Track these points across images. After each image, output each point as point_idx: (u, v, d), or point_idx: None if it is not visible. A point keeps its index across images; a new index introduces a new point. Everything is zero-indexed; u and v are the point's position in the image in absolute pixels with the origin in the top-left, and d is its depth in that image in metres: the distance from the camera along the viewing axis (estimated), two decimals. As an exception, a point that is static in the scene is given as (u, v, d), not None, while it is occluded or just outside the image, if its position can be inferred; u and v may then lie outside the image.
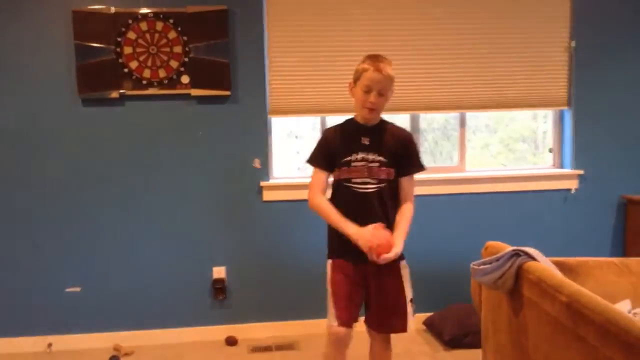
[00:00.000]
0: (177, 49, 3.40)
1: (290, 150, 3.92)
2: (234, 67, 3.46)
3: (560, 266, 2.32)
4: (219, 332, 3.56)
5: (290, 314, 3.63)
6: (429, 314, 3.61)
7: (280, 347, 3.45)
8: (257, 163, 3.54)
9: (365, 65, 2.24)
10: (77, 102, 3.40)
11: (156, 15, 3.36)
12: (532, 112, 3.91)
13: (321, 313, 3.60)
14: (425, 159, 3.92)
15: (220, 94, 3.45)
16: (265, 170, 3.56)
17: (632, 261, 2.39)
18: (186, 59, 3.40)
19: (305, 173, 3.72)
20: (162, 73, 3.40)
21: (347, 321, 2.30)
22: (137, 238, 3.51)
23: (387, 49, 3.51)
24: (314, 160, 2.40)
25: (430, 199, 3.63)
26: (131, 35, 3.36)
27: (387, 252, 2.15)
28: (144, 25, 3.36)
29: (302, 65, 3.54)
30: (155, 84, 3.41)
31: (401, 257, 2.30)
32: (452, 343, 3.34)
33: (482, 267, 2.07)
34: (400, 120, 3.78)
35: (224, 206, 3.55)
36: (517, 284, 1.99)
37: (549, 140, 3.91)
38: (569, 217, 3.75)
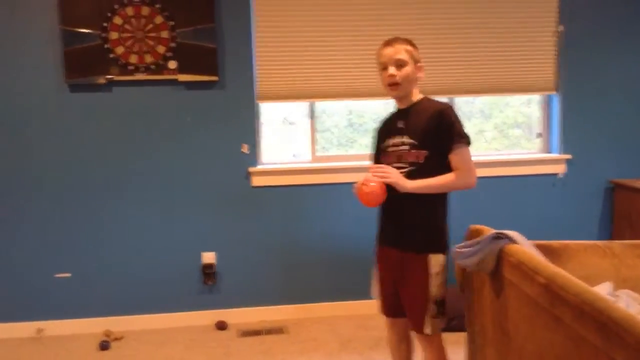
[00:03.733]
0: (164, 34, 3.38)
1: (286, 136, 3.92)
2: (221, 52, 3.45)
3: (544, 249, 2.34)
4: (208, 316, 3.59)
5: (280, 298, 3.66)
6: (417, 298, 3.63)
7: (269, 332, 3.48)
8: (245, 148, 3.54)
9: (379, 48, 2.22)
10: (65, 88, 3.39)
11: (142, 0, 3.34)
12: (527, 97, 3.91)
13: (311, 297, 3.65)
14: None
15: (208, 79, 3.44)
16: (253, 156, 3.57)
17: (616, 244, 2.41)
18: (173, 44, 3.39)
19: (300, 159, 3.73)
20: (148, 58, 3.39)
21: (383, 310, 2.34)
22: (126, 224, 3.51)
23: (374, 32, 3.53)
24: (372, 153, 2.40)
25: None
26: (117, 20, 3.34)
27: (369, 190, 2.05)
28: (130, 11, 3.34)
29: (290, 50, 3.53)
30: (142, 69, 3.40)
31: (434, 249, 2.15)
32: (440, 326, 3.36)
33: (463, 250, 2.09)
34: (387, 104, 3.79)
35: (213, 192, 3.55)
36: (498, 266, 2.01)
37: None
38: (557, 201, 3.78)
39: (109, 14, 3.33)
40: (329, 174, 3.60)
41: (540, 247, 2.29)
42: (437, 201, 2.21)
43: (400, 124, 2.21)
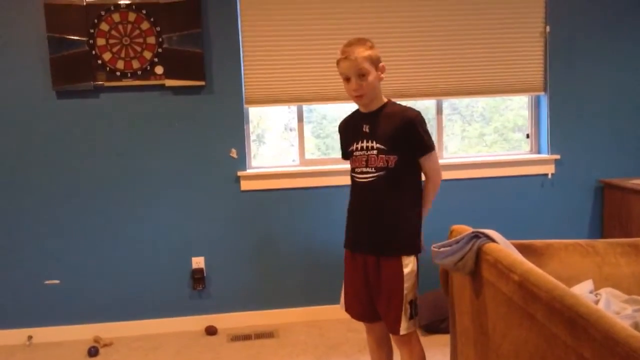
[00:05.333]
0: (151, 40, 3.39)
1: (287, 142, 3.95)
2: (208, 57, 3.46)
3: (527, 249, 2.34)
4: (198, 322, 3.58)
5: (270, 303, 3.65)
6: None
7: (259, 336, 3.47)
8: (233, 153, 3.54)
9: (338, 56, 2.17)
10: (52, 95, 3.39)
11: (129, 6, 3.36)
12: (526, 100, 3.89)
13: (300, 301, 3.64)
14: None
15: (195, 84, 3.45)
16: (242, 160, 3.57)
17: (598, 242, 2.40)
18: (160, 50, 3.40)
19: (294, 163, 3.74)
20: (135, 64, 3.40)
21: (351, 312, 2.33)
22: (115, 230, 3.51)
23: (362, 36, 3.52)
24: (341, 153, 2.41)
25: (408, 186, 3.64)
26: (104, 26, 3.35)
27: None
28: (116, 17, 3.36)
29: (278, 54, 3.54)
30: (129, 75, 3.41)
31: (407, 250, 2.19)
32: (429, 328, 3.36)
33: (442, 249, 2.08)
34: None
35: (202, 196, 3.55)
36: (477, 265, 2.00)
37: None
38: (547, 202, 3.77)
39: (96, 20, 3.34)
40: (318, 177, 3.60)
41: (522, 247, 2.28)
42: (408, 204, 2.22)
43: (366, 128, 2.21)
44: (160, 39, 3.39)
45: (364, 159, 2.19)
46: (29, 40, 3.34)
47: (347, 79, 2.16)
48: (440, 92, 3.67)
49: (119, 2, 3.34)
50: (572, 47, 3.69)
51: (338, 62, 2.18)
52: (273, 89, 3.56)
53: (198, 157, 3.53)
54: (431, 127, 3.87)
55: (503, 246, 1.95)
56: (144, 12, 3.36)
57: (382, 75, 2.20)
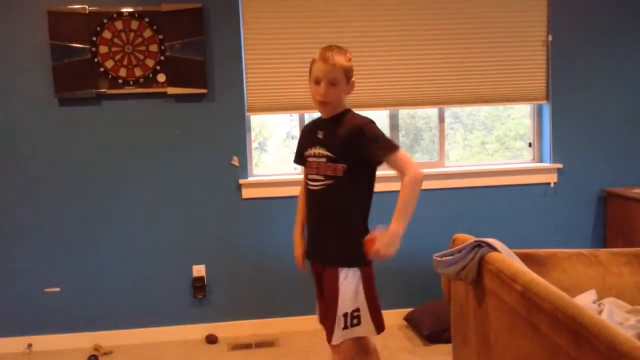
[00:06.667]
0: (153, 48, 3.40)
1: (289, 150, 3.96)
2: (210, 65, 3.47)
3: (530, 258, 2.33)
4: (199, 330, 3.56)
5: (270, 311, 3.63)
6: (409, 310, 3.61)
7: (260, 345, 3.45)
8: (235, 161, 3.54)
9: (314, 57, 2.13)
10: (54, 102, 3.40)
11: (131, 14, 3.36)
12: (529, 109, 3.89)
13: (301, 310, 3.62)
14: (423, 157, 3.91)
15: (197, 92, 3.44)
16: (244, 168, 3.56)
17: (601, 252, 2.39)
18: (162, 58, 3.40)
19: (295, 171, 3.74)
20: (138, 72, 3.40)
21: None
22: (116, 237, 3.50)
23: (364, 44, 3.54)
24: (294, 156, 2.41)
25: (410, 195, 3.63)
26: (106, 34, 3.36)
27: (371, 247, 1.96)
28: (119, 25, 3.36)
29: (280, 62, 3.54)
30: (132, 82, 3.41)
31: (347, 262, 2.12)
32: (431, 338, 3.34)
33: (444, 258, 2.07)
34: (377, 116, 3.79)
35: (204, 204, 3.54)
36: (479, 275, 1.99)
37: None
38: (549, 211, 3.75)
39: (98, 28, 3.35)
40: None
41: (525, 256, 2.28)
42: (355, 215, 2.16)
43: (320, 135, 2.18)
44: (163, 47, 3.39)
45: (315, 165, 2.17)
46: (32, 47, 3.35)
47: (317, 82, 2.11)
48: (442, 101, 3.67)
49: (122, 10, 3.35)
50: (574, 56, 3.69)
51: (313, 62, 2.14)
52: (275, 96, 3.56)
53: (200, 164, 3.52)
54: (432, 135, 3.88)
55: (506, 255, 1.94)
56: (146, 20, 3.37)
57: (350, 90, 2.17)
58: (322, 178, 2.13)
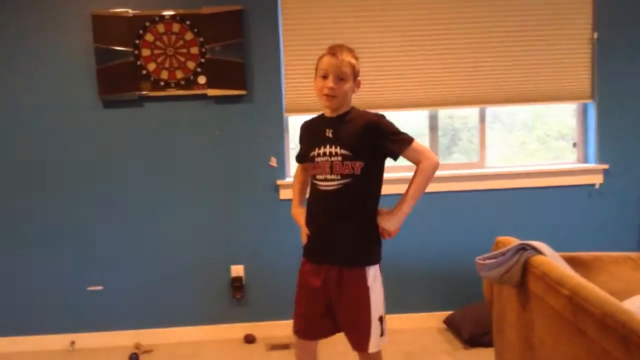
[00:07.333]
0: (194, 50, 3.44)
1: None
2: (249, 67, 3.49)
3: (574, 261, 2.26)
4: (237, 330, 3.59)
5: (309, 312, 3.62)
6: (449, 313, 3.56)
7: (298, 346, 3.45)
8: (273, 162, 3.55)
9: (322, 53, 2.15)
10: (98, 104, 3.47)
11: (173, 17, 3.41)
12: (571, 108, 3.79)
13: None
14: (461, 158, 3.85)
15: (236, 93, 3.48)
16: (281, 169, 3.57)
17: (650, 256, 2.31)
18: (202, 60, 3.44)
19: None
20: (179, 74, 3.45)
21: (301, 332, 2.24)
22: (156, 237, 3.56)
23: (405, 44, 3.53)
24: (297, 155, 2.38)
25: (450, 196, 3.59)
26: (149, 37, 3.42)
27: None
28: (161, 28, 3.42)
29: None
30: (173, 85, 3.46)
31: (370, 260, 2.11)
32: (471, 341, 3.28)
33: (487, 261, 2.03)
34: (417, 117, 3.75)
35: (242, 205, 3.57)
36: (524, 278, 1.95)
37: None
38: (595, 213, 3.65)
39: (141, 32, 3.41)
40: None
41: (569, 259, 2.21)
42: (369, 211, 2.13)
43: (329, 133, 2.12)
44: (203, 49, 3.43)
45: (328, 165, 2.08)
46: (77, 50, 3.43)
47: (324, 76, 2.11)
48: (483, 100, 3.61)
49: (164, 14, 3.40)
50: (620, 53, 3.58)
51: (321, 58, 2.15)
52: (313, 97, 3.55)
53: (238, 165, 3.55)
54: (470, 136, 3.82)
55: (551, 259, 1.89)
56: (187, 23, 3.42)
57: (357, 90, 2.17)
58: (338, 177, 2.06)
